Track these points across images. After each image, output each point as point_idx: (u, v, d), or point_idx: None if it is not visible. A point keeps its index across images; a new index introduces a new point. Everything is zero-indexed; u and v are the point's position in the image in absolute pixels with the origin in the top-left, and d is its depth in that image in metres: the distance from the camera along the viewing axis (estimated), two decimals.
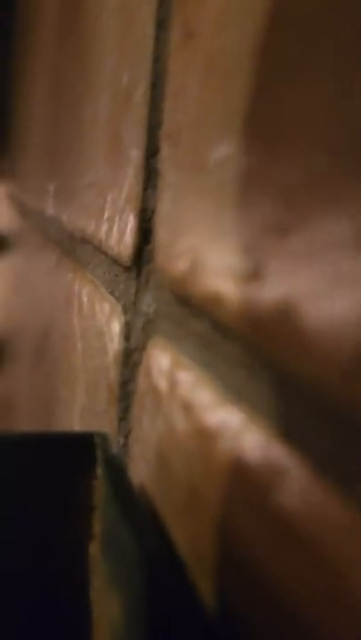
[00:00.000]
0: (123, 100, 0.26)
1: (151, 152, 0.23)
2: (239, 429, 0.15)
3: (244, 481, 0.15)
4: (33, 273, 0.59)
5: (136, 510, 0.18)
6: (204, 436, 0.17)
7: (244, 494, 0.15)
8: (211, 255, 0.17)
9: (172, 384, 0.20)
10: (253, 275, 0.15)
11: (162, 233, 0.22)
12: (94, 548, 0.21)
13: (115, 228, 0.27)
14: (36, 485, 0.20)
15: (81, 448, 0.20)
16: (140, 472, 0.22)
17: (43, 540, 0.20)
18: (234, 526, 0.15)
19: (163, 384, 0.20)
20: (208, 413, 0.17)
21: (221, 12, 0.17)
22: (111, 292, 0.28)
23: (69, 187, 0.38)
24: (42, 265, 0.50)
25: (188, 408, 0.18)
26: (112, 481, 0.20)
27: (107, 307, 0.28)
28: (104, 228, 0.28)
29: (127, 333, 0.25)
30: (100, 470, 0.20)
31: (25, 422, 0.61)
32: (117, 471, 0.20)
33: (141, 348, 0.24)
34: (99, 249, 0.30)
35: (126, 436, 0.24)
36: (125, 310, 0.26)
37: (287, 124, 0.14)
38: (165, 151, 0.21)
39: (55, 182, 0.43)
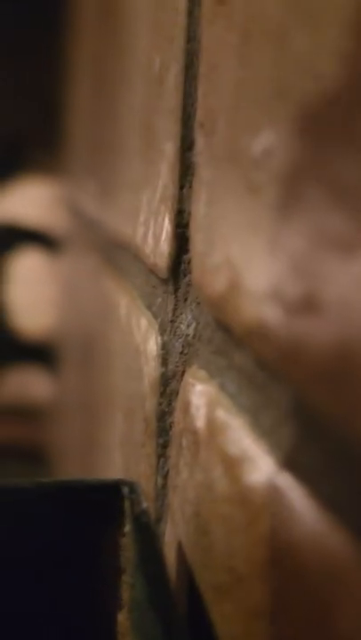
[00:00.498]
0: (155, 86, 0.23)
1: (186, 145, 0.20)
2: (288, 501, 0.12)
3: (297, 571, 0.11)
4: (80, 276, 0.57)
5: (166, 581, 0.15)
6: (247, 505, 0.13)
7: (298, 591, 0.11)
8: (252, 273, 0.14)
9: (211, 429, 0.16)
10: (306, 303, 0.11)
11: (198, 241, 0.19)
12: (123, 617, 0.18)
13: (150, 234, 0.24)
14: (59, 541, 0.17)
15: (108, 500, 0.17)
16: (177, 525, 0.19)
17: (68, 607, 0.17)
18: (286, 631, 0.12)
19: (201, 426, 0.17)
20: (251, 475, 0.13)
21: None
22: (149, 307, 0.25)
23: (109, 186, 0.35)
24: (87, 269, 0.48)
25: (228, 464, 0.15)
26: (141, 542, 0.17)
27: (144, 323, 0.25)
28: (140, 233, 0.26)
29: (164, 356, 0.22)
30: (128, 527, 0.17)
31: (75, 429, 0.60)
32: (147, 531, 0.17)
33: (179, 375, 0.21)
34: (136, 256, 0.27)
35: (165, 477, 0.21)
36: (163, 329, 0.23)
37: None
38: (200, 143, 0.18)
39: (96, 181, 0.40)
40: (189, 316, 0.20)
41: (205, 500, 0.16)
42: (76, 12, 0.59)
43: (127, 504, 0.18)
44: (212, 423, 0.16)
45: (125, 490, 0.18)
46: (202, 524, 0.17)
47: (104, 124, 0.38)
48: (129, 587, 0.18)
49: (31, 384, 1.57)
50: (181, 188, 0.20)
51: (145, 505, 0.17)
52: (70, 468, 0.68)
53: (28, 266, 1.26)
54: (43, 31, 1.10)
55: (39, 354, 1.23)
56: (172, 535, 0.20)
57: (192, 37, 0.19)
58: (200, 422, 0.18)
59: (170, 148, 0.21)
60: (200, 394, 0.18)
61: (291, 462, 0.12)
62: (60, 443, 0.85)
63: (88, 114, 0.48)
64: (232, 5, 0.16)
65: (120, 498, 0.18)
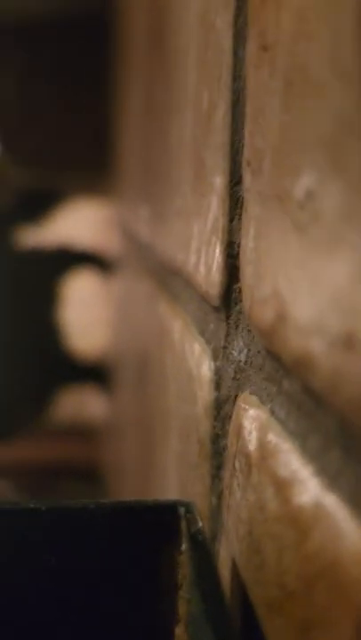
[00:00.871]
0: (204, 121, 0.24)
1: (235, 180, 0.21)
2: (334, 520, 0.13)
3: (343, 586, 0.12)
4: (134, 298, 0.59)
5: (221, 596, 0.16)
6: (296, 524, 0.14)
7: (344, 605, 0.12)
8: (298, 305, 0.15)
9: (263, 452, 0.17)
10: (346, 338, 0.12)
11: (247, 272, 0.20)
12: (180, 631, 0.19)
13: (202, 263, 0.25)
14: (118, 558, 0.19)
15: (165, 520, 0.19)
16: (231, 544, 0.20)
17: (127, 622, 0.19)
18: None
19: (253, 449, 0.18)
20: (300, 496, 0.14)
21: (299, 18, 0.15)
22: (201, 333, 0.26)
23: (161, 212, 0.37)
24: (141, 292, 0.50)
25: (278, 485, 0.16)
26: (197, 559, 0.18)
27: (197, 348, 0.26)
28: (192, 260, 0.27)
29: (218, 381, 0.23)
30: (184, 545, 0.19)
31: (130, 448, 0.61)
32: (202, 549, 0.18)
33: (232, 399, 0.22)
34: (188, 283, 0.28)
35: (219, 497, 0.22)
36: (215, 355, 0.24)
37: None
38: (247, 179, 0.19)
39: (148, 207, 0.42)
40: (241, 343, 0.21)
41: (258, 519, 0.17)
42: (127, 45, 0.61)
43: (184, 523, 0.19)
44: (263, 447, 0.17)
45: (182, 510, 0.19)
46: (254, 543, 0.18)
47: (155, 153, 0.40)
48: (186, 602, 0.19)
49: (87, 404, 1.60)
50: (231, 220, 0.21)
51: (200, 524, 0.19)
52: (127, 487, 0.69)
53: (81, 287, 1.29)
54: (96, 62, 1.14)
55: (94, 374, 1.26)
56: (226, 553, 0.21)
57: (238, 77, 0.21)
58: (252, 446, 0.19)
59: (219, 182, 0.22)
60: (252, 418, 0.19)
61: (336, 484, 0.13)
62: (116, 462, 0.87)
63: (140, 141, 0.50)
64: (275, 53, 0.17)
65: (177, 517, 0.19)
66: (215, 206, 0.23)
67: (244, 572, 0.19)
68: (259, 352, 0.20)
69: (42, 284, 1.23)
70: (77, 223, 1.35)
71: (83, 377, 1.29)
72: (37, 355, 1.22)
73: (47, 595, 0.19)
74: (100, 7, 1.06)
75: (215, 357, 0.24)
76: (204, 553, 0.18)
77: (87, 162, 1.22)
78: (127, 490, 0.67)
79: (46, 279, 1.24)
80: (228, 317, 0.22)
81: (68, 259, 1.25)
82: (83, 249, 1.30)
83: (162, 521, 0.19)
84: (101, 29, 1.08)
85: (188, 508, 0.19)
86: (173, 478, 0.31)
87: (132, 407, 0.61)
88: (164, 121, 0.36)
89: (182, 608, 0.19)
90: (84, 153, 1.22)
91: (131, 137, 0.57)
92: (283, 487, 0.16)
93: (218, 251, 0.23)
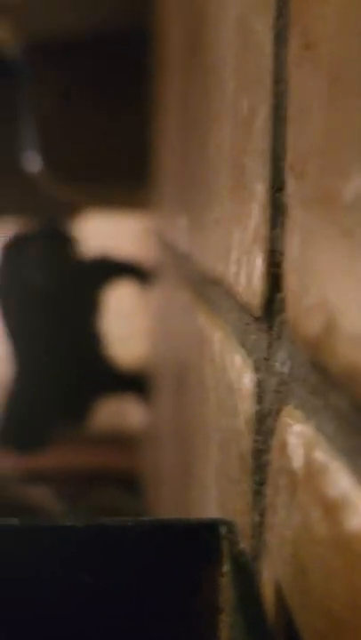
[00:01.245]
0: (244, 128, 0.23)
1: (277, 186, 0.20)
2: None
3: None
4: (172, 308, 0.58)
5: (265, 621, 0.15)
6: (347, 550, 0.13)
7: None
8: (348, 315, 0.14)
9: (309, 470, 0.16)
10: None
11: (292, 281, 0.19)
12: None
13: (242, 272, 0.24)
14: (157, 579, 0.18)
15: (206, 539, 0.18)
16: (275, 564, 0.19)
17: None
18: None
19: (298, 467, 0.17)
20: (352, 520, 0.13)
21: (344, 12, 0.14)
22: (242, 344, 0.25)
23: (199, 222, 0.36)
24: (179, 302, 0.49)
25: (327, 507, 0.15)
26: (239, 582, 0.17)
27: (238, 360, 0.25)
28: (232, 270, 0.26)
29: (259, 394, 0.22)
30: (226, 567, 0.17)
31: (170, 457, 0.60)
32: (245, 571, 0.17)
33: (275, 413, 0.21)
34: (228, 293, 0.27)
35: (261, 515, 0.21)
36: (257, 366, 0.23)
37: None
38: (291, 185, 0.18)
39: (186, 217, 0.41)
40: (284, 355, 0.20)
41: (304, 541, 0.16)
42: (164, 57, 0.61)
43: (225, 544, 0.18)
44: (309, 465, 0.16)
45: (223, 529, 0.18)
46: (300, 566, 0.16)
47: (193, 162, 0.39)
48: (227, 626, 0.18)
49: (126, 412, 1.60)
50: (273, 228, 0.20)
51: (243, 545, 0.17)
52: (165, 497, 0.68)
53: (121, 298, 1.30)
54: (134, 77, 1.14)
55: (134, 383, 1.26)
56: (269, 573, 0.20)
57: (279, 80, 0.20)
58: (297, 463, 0.17)
59: (260, 189, 0.21)
60: (297, 434, 0.18)
61: None
62: (155, 471, 0.86)
63: (178, 152, 0.49)
64: (319, 50, 0.16)
65: (218, 537, 0.18)
66: (256, 214, 0.22)
67: (289, 596, 0.17)
68: (303, 364, 0.18)
69: (83, 294, 1.23)
70: (117, 234, 1.36)
71: (122, 386, 1.29)
72: (78, 363, 1.22)
73: (83, 614, 0.18)
74: (138, 23, 1.07)
75: (257, 369, 0.23)
76: (246, 575, 0.17)
77: (127, 175, 1.23)
78: (166, 500, 0.66)
79: (87, 289, 1.24)
80: (270, 328, 0.21)
81: (108, 269, 1.25)
82: (122, 260, 1.30)
83: (202, 541, 0.18)
84: (139, 44, 1.09)
85: (230, 527, 0.18)
86: (213, 492, 0.30)
87: (171, 417, 0.60)
88: (202, 130, 0.35)
89: (224, 633, 0.18)
90: (123, 166, 1.22)
91: (169, 148, 0.56)
92: (332, 509, 0.14)
93: (259, 259, 0.22)
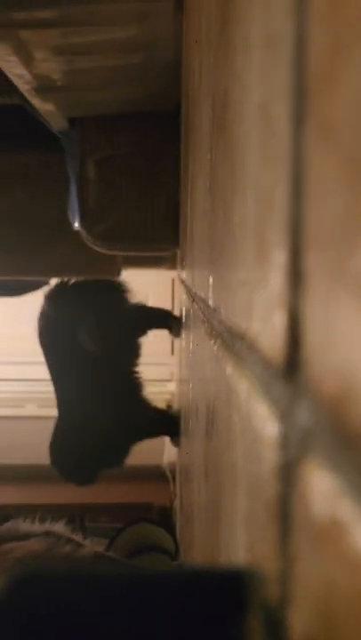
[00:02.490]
0: (266, 200, 0.24)
1: (296, 256, 0.20)
2: None
3: None
4: (202, 357, 0.58)
5: None
6: None
7: None
8: None
9: (335, 525, 0.16)
10: None
11: (312, 342, 0.19)
12: None
13: (265, 332, 0.24)
14: (183, 628, 0.17)
15: (232, 588, 0.17)
16: (303, 617, 0.18)
17: None
18: None
19: (322, 520, 0.17)
20: None
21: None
22: (267, 395, 0.25)
23: (225, 281, 0.36)
24: (208, 351, 0.49)
25: (352, 562, 0.14)
26: (265, 631, 0.16)
27: (262, 411, 0.25)
28: (255, 327, 0.26)
29: (283, 444, 0.22)
30: (251, 616, 0.17)
31: (200, 496, 0.59)
32: (270, 620, 0.16)
33: (299, 464, 0.20)
34: (252, 348, 0.27)
35: (287, 563, 0.20)
36: (281, 418, 0.22)
37: None
38: (310, 256, 0.18)
39: (213, 275, 0.41)
40: (306, 408, 0.20)
41: (333, 594, 0.16)
42: (194, 133, 0.63)
43: (250, 593, 0.17)
44: (335, 519, 0.16)
45: (248, 578, 0.17)
46: (329, 619, 0.16)
47: (219, 227, 0.39)
48: None
49: (160, 452, 1.58)
50: (294, 292, 0.20)
51: (268, 594, 0.17)
52: (196, 534, 0.66)
53: (155, 344, 1.30)
54: (168, 149, 1.17)
55: (167, 425, 1.25)
56: (298, 625, 0.19)
57: (298, 160, 0.20)
58: (321, 516, 0.17)
59: (281, 257, 0.21)
60: (320, 486, 0.18)
61: None
62: (188, 508, 0.84)
63: (205, 217, 0.50)
64: (337, 136, 0.16)
65: (244, 586, 0.17)
66: (278, 280, 0.22)
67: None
68: (325, 418, 0.18)
69: (122, 340, 1.24)
70: (153, 288, 1.37)
71: (157, 428, 1.28)
72: (117, 407, 1.22)
73: None
74: (171, 100, 1.10)
75: (280, 420, 0.22)
76: (272, 625, 0.16)
77: (159, 235, 1.25)
78: (196, 537, 0.65)
79: (126, 337, 1.25)
80: (292, 383, 0.21)
81: (145, 318, 1.26)
82: (156, 309, 1.31)
83: (228, 590, 0.17)
84: (172, 120, 1.12)
85: (255, 576, 0.17)
86: (241, 534, 0.29)
87: (201, 458, 0.59)
88: (227, 199, 0.35)
89: None
90: (157, 228, 1.24)
91: (198, 213, 0.57)
92: (358, 565, 0.14)
93: (281, 320, 0.22)
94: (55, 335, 1.21)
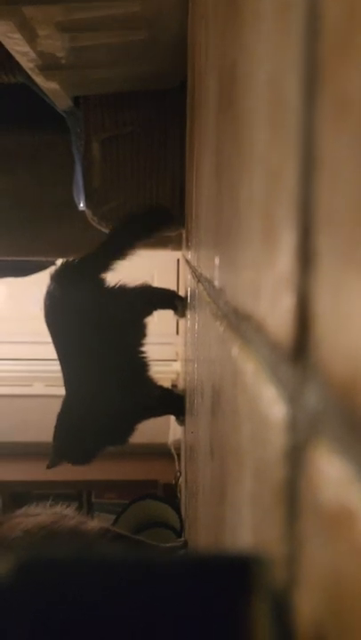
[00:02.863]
0: (274, 178, 0.23)
1: (306, 235, 0.19)
2: None
3: None
4: (207, 336, 0.57)
5: None
6: None
7: None
8: None
9: (343, 509, 0.15)
10: None
11: (321, 324, 0.18)
12: None
13: (272, 313, 0.23)
14: (190, 614, 0.17)
15: (238, 574, 0.17)
16: (310, 602, 0.18)
17: None
18: None
19: (331, 505, 0.16)
20: None
21: None
22: (275, 377, 0.24)
23: (231, 262, 0.35)
24: (213, 331, 0.48)
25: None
26: (272, 616, 0.16)
27: (269, 394, 0.24)
28: (262, 310, 0.25)
29: (292, 428, 0.21)
30: (258, 601, 0.16)
31: (205, 474, 0.59)
32: (277, 605, 0.16)
33: (307, 448, 0.20)
34: (259, 329, 0.27)
35: (294, 546, 0.20)
36: (289, 402, 0.22)
37: None
38: (320, 235, 0.17)
39: (220, 256, 0.40)
40: (316, 391, 0.19)
41: (341, 579, 0.15)
42: (200, 110, 0.61)
43: (257, 578, 0.17)
44: (343, 503, 0.15)
45: (255, 563, 0.17)
46: (338, 603, 0.15)
47: (225, 207, 0.38)
48: None
49: (166, 429, 1.58)
50: (303, 273, 0.20)
51: (274, 578, 0.16)
52: (201, 510, 0.67)
53: (160, 324, 1.29)
54: (173, 126, 1.15)
55: (172, 403, 1.25)
56: (306, 610, 0.18)
57: (309, 135, 0.19)
58: (330, 500, 0.16)
59: (290, 237, 0.20)
60: (329, 470, 0.17)
61: None
62: (193, 485, 0.84)
63: (210, 195, 0.49)
64: (353, 115, 0.15)
65: (250, 571, 0.17)
66: (286, 260, 0.21)
67: (328, 633, 0.16)
68: (335, 401, 0.17)
69: (126, 320, 1.23)
70: (158, 269, 1.36)
71: (162, 406, 1.28)
72: (123, 386, 1.22)
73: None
74: (177, 77, 1.08)
75: (288, 403, 0.22)
76: (278, 610, 0.16)
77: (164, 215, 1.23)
78: (201, 514, 0.65)
79: (130, 317, 1.25)
80: (301, 365, 0.20)
81: (149, 298, 1.26)
82: (161, 290, 1.30)
83: (235, 575, 0.17)
84: (178, 97, 1.10)
85: (263, 564, 0.17)
86: (247, 515, 0.29)
87: (206, 437, 0.59)
88: (234, 178, 0.34)
89: None
90: (163, 205, 1.23)
91: (203, 193, 0.56)
92: None
93: (289, 302, 0.21)
94: (61, 315, 1.21)
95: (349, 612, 0.15)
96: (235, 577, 0.17)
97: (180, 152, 1.13)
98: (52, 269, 1.23)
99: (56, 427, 1.24)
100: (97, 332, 1.21)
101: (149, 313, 1.24)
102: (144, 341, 1.24)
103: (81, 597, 0.16)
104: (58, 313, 1.21)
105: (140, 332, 1.24)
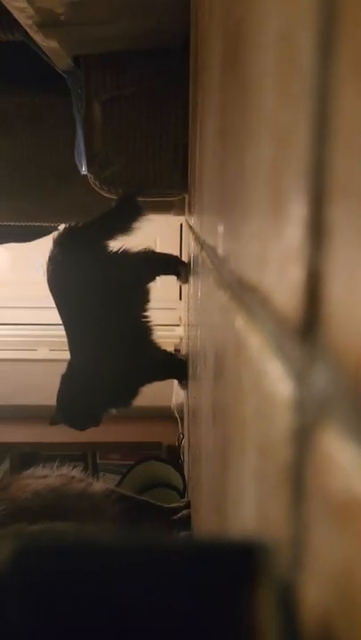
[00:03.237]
0: (283, 144, 0.21)
1: (318, 205, 0.18)
2: None
3: None
4: (210, 303, 0.56)
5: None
6: None
7: None
8: None
9: (351, 492, 0.14)
10: None
11: (332, 301, 0.17)
12: None
13: (280, 286, 0.22)
14: (193, 599, 0.16)
15: (241, 559, 0.16)
16: (316, 588, 0.17)
17: None
18: None
19: (339, 488, 0.15)
20: None
21: None
22: (281, 353, 0.23)
23: (236, 230, 0.34)
24: (217, 300, 0.47)
25: None
26: (275, 601, 0.15)
27: (275, 370, 0.23)
28: (269, 282, 0.24)
29: (299, 407, 0.20)
30: (261, 586, 0.16)
31: (208, 439, 0.59)
32: (280, 590, 0.15)
33: (315, 428, 0.19)
34: (264, 302, 0.25)
35: (299, 527, 0.19)
36: (296, 380, 0.21)
37: None
38: (334, 205, 0.16)
39: (224, 224, 0.39)
40: (325, 372, 0.18)
41: (348, 565, 0.14)
42: (203, 71, 0.58)
43: (261, 564, 0.16)
44: (352, 489, 0.14)
45: (259, 554, 0.16)
46: (344, 587, 0.15)
47: (230, 173, 0.37)
48: None
49: (167, 393, 1.59)
50: (313, 244, 0.18)
51: (279, 562, 0.16)
52: (204, 475, 0.67)
53: (163, 289, 1.28)
54: (176, 88, 1.11)
55: (175, 368, 1.24)
56: (312, 596, 0.18)
57: (324, 96, 0.17)
58: (338, 483, 0.16)
59: (299, 205, 0.19)
60: (337, 452, 0.16)
61: None
62: (195, 449, 0.85)
63: (214, 160, 0.47)
64: None
65: (254, 558, 0.16)
66: (295, 230, 0.20)
67: (333, 617, 0.16)
68: (346, 380, 0.16)
69: (129, 285, 1.22)
70: (160, 234, 1.34)
71: (165, 371, 1.28)
72: (127, 350, 1.21)
73: (121, 632, 0.16)
74: (180, 35, 1.04)
75: (296, 382, 0.21)
76: (281, 595, 0.15)
77: (167, 180, 1.20)
78: (203, 478, 0.65)
79: (133, 281, 1.23)
80: (311, 343, 0.19)
81: (153, 264, 1.24)
82: (164, 256, 1.28)
83: (238, 561, 0.16)
84: (181, 56, 1.06)
85: (266, 551, 0.16)
86: (250, 491, 0.28)
87: (208, 405, 0.59)
88: (239, 143, 0.32)
89: None
90: (164, 172, 1.20)
91: (207, 157, 0.54)
92: None
93: (297, 275, 0.20)
94: (64, 280, 1.19)
95: (356, 599, 0.14)
96: (239, 563, 0.16)
97: (184, 114, 1.10)
98: (54, 234, 1.21)
99: (59, 390, 1.24)
100: (100, 297, 1.19)
101: (152, 278, 1.23)
102: (147, 306, 1.23)
103: (81, 584, 0.15)
104: (60, 278, 1.19)
105: (144, 298, 1.22)
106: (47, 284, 1.20)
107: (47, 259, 1.19)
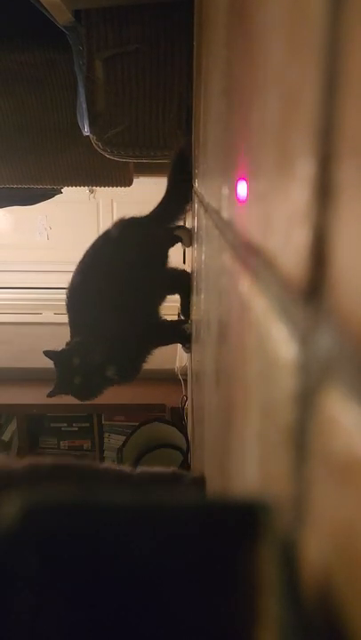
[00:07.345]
0: (290, 101, 0.20)
1: (325, 161, 0.17)
2: None
3: None
4: (214, 268, 0.55)
5: (303, 605, 0.14)
6: None
7: None
8: None
9: (355, 460, 0.14)
10: None
11: (339, 263, 0.16)
12: (260, 636, 0.16)
13: (285, 247, 0.22)
14: (197, 558, 0.16)
15: (244, 519, 0.16)
16: (317, 546, 0.17)
17: (205, 623, 0.16)
18: None
19: (343, 450, 0.15)
20: None
21: None
22: (286, 316, 0.23)
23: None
24: (221, 263, 0.46)
25: None
26: (277, 561, 0.15)
27: (280, 333, 0.23)
28: (274, 244, 0.23)
29: (303, 369, 0.20)
30: (263, 546, 0.16)
31: (212, 401, 0.59)
32: (282, 549, 0.15)
33: (319, 390, 0.19)
34: (269, 265, 0.25)
35: (301, 488, 0.19)
36: (300, 343, 0.20)
37: None
38: (342, 165, 0.16)
39: (228, 186, 0.38)
40: (330, 331, 0.18)
41: (349, 524, 0.14)
42: (208, 19, 0.56)
43: (263, 522, 0.16)
44: (353, 447, 0.14)
45: (261, 508, 0.16)
46: (344, 547, 0.15)
47: (235, 133, 0.36)
48: (265, 605, 0.16)
49: (171, 356, 1.59)
50: (320, 204, 0.18)
51: (280, 522, 0.16)
52: (207, 437, 0.67)
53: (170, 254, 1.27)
54: (181, 43, 1.08)
55: (178, 332, 1.25)
56: (313, 554, 0.18)
57: (333, 50, 0.17)
58: (342, 445, 0.16)
59: (307, 164, 0.19)
60: (341, 413, 0.16)
61: None
62: (198, 411, 0.85)
63: (219, 119, 0.46)
64: None
65: (256, 515, 0.16)
66: (303, 189, 0.19)
67: (330, 574, 0.16)
68: (351, 343, 0.16)
69: (138, 252, 1.22)
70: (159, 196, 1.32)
71: (170, 335, 1.28)
72: (136, 315, 1.22)
73: (121, 592, 0.16)
74: None
75: (301, 345, 0.20)
76: (284, 554, 0.15)
77: (172, 142, 1.18)
78: (207, 440, 0.66)
79: (160, 252, 1.25)
80: (316, 306, 0.19)
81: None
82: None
83: (241, 519, 0.16)
84: (185, 11, 1.02)
85: (267, 507, 0.16)
86: (254, 451, 0.28)
87: (211, 368, 0.59)
88: (246, 100, 0.31)
89: (262, 613, 0.16)
90: (169, 133, 1.17)
91: (212, 116, 0.53)
92: None
93: (304, 236, 0.19)
94: (104, 252, 1.23)
95: (355, 555, 0.14)
96: (242, 521, 0.16)
97: (188, 72, 1.07)
98: (119, 218, 1.25)
99: (61, 366, 1.26)
100: (133, 271, 1.23)
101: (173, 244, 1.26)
102: (163, 273, 1.26)
103: (87, 543, 0.16)
104: (105, 251, 1.24)
105: (164, 263, 1.26)
106: (89, 247, 1.24)
107: (104, 231, 1.25)
